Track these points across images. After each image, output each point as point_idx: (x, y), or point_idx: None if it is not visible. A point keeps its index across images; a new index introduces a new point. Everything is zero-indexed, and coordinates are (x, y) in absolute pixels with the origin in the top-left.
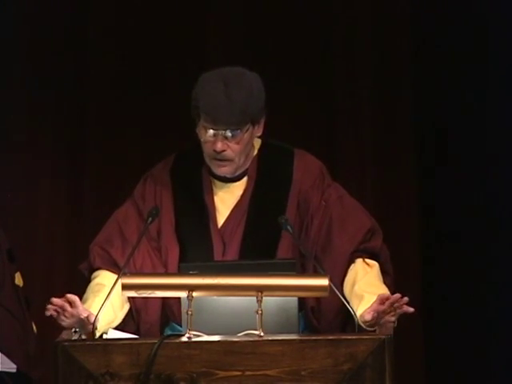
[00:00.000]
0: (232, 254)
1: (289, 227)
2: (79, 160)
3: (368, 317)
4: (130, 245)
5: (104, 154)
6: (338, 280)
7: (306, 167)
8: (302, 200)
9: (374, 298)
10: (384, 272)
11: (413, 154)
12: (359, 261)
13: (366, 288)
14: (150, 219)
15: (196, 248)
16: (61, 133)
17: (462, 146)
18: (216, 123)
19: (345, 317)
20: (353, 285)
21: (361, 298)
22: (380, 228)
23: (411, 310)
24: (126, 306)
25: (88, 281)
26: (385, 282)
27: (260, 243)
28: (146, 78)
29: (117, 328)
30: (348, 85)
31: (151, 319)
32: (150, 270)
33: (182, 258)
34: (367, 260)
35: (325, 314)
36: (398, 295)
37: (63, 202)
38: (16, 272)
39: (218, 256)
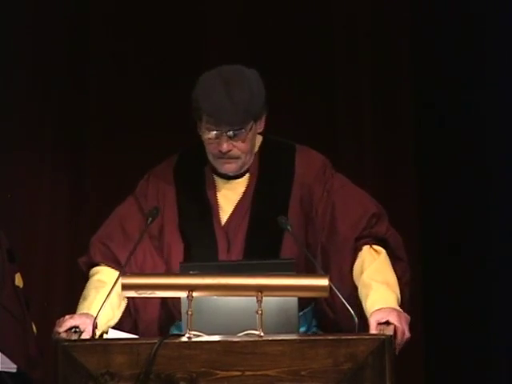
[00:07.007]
0: (236, 250)
1: (289, 227)
2: (80, 159)
3: (372, 331)
4: (131, 241)
5: (104, 153)
6: (346, 267)
7: (308, 161)
8: (306, 194)
9: (381, 287)
10: (396, 258)
11: (413, 155)
12: (366, 248)
13: (373, 276)
14: (151, 219)
15: (200, 246)
16: (61, 132)
17: (462, 146)
18: (219, 124)
19: (358, 301)
20: (360, 273)
21: (368, 287)
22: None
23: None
24: (123, 304)
25: (86, 275)
26: (395, 269)
27: (264, 239)
28: (146, 77)
29: (113, 326)
30: (348, 84)
31: (150, 318)
32: (151, 269)
33: (187, 256)
34: (374, 246)
35: (339, 303)
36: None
37: (63, 201)
38: (16, 273)
39: (222, 253)
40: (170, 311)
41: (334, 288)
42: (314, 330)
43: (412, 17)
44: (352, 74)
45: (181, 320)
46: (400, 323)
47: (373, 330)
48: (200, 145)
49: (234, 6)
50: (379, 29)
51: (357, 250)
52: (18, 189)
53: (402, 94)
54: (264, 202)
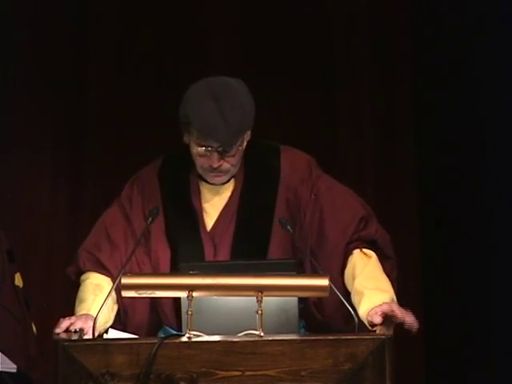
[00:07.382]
0: (223, 255)
1: (289, 227)
2: (80, 159)
3: (377, 320)
4: (118, 249)
5: (104, 153)
6: (336, 273)
7: (293, 163)
8: (292, 196)
9: (374, 294)
10: (384, 256)
11: (413, 155)
12: (357, 252)
13: (365, 283)
14: (151, 219)
15: (187, 251)
16: (61, 132)
17: (462, 146)
18: (210, 143)
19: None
20: (352, 279)
21: (361, 294)
22: (374, 213)
23: (415, 328)
24: (115, 307)
25: (76, 283)
26: (384, 267)
27: (251, 243)
28: (146, 77)
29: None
30: (348, 84)
31: (138, 321)
32: None
33: (173, 262)
34: (365, 250)
35: (327, 306)
36: (402, 316)
37: (63, 201)
38: (16, 273)
39: (209, 258)
40: (158, 316)
41: (335, 289)
42: (302, 331)
43: (412, 17)
44: (352, 74)
45: (168, 325)
46: (391, 306)
47: (376, 320)
48: (184, 149)
49: (233, 6)
50: (379, 29)
51: (347, 254)
52: (18, 189)
53: (402, 94)
54: (250, 206)
